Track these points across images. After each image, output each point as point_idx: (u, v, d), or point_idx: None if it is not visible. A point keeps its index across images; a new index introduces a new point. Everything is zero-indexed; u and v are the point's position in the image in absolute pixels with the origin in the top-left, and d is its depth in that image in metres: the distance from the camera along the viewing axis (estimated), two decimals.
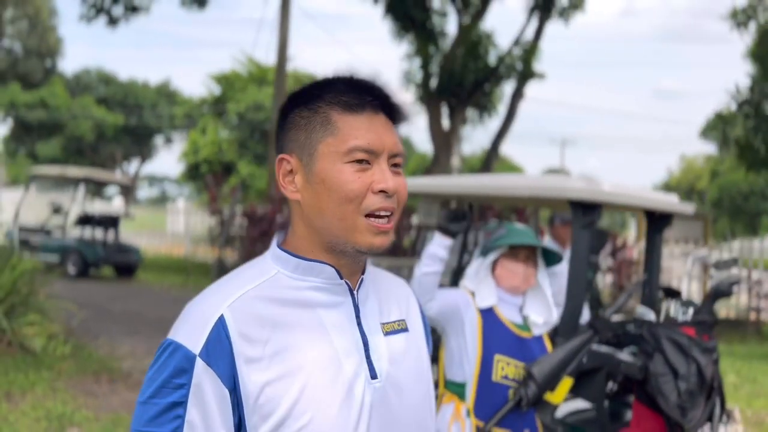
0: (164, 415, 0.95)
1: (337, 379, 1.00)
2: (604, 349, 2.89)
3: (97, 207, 17.08)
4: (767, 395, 6.73)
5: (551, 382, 2.58)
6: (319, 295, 1.04)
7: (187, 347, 0.95)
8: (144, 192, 64.35)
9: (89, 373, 5.94)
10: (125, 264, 13.14)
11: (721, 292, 2.93)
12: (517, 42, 13.13)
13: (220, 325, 0.96)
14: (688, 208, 3.53)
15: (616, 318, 3.86)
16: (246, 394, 0.96)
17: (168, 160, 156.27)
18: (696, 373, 2.72)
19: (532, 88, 20.24)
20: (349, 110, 1.02)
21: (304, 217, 1.04)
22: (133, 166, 47.62)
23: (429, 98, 13.43)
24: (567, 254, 5.41)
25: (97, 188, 18.74)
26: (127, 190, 25.93)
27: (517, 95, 13.16)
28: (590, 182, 2.84)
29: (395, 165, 1.05)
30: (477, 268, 2.67)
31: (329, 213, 1.01)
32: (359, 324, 1.06)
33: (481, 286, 2.63)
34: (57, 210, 14.12)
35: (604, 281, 11.03)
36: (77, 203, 14.37)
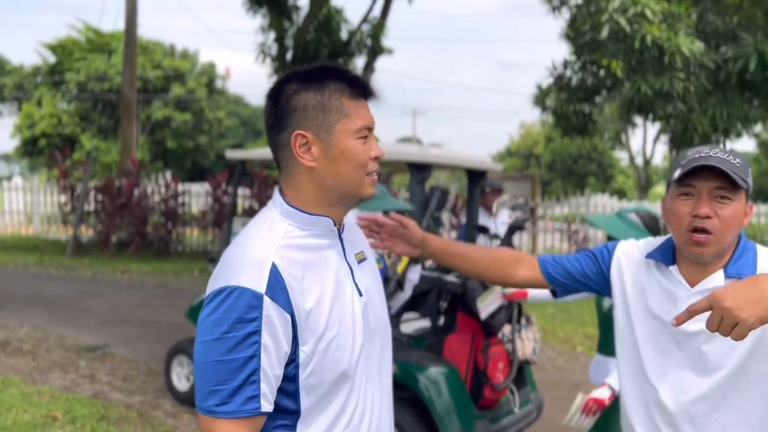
0: (243, 343, 1.19)
1: (344, 300, 1.33)
2: (434, 274, 3.79)
3: None
4: (575, 321, 8.24)
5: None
6: (320, 241, 1.34)
7: (254, 289, 1.20)
8: None
9: None
10: None
11: (516, 227, 3.91)
12: (365, 19, 13.90)
13: (275, 269, 1.23)
14: (497, 166, 4.52)
15: None
16: (299, 317, 1.25)
17: None
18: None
19: (383, 62, 21.23)
20: (355, 98, 1.33)
21: (316, 180, 1.32)
22: None
23: (285, 71, 13.85)
24: (493, 220, 6.05)
25: None
26: None
27: (368, 69, 13.97)
28: (421, 148, 3.69)
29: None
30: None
31: (344, 175, 1.31)
32: (345, 258, 1.39)
33: None
34: None
35: (448, 236, 12.34)
36: None
